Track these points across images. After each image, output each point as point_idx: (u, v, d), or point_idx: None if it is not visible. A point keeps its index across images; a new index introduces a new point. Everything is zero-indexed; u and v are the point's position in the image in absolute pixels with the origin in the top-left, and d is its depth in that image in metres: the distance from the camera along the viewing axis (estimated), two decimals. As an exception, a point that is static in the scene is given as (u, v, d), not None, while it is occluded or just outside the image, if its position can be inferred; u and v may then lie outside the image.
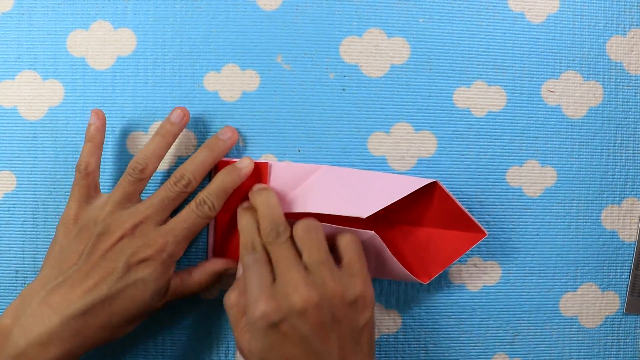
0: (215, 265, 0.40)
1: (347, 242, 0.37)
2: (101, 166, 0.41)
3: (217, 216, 0.41)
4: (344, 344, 0.34)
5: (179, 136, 0.41)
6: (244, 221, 0.38)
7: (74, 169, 0.41)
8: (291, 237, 0.36)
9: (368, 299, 0.35)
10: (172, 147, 0.41)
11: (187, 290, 0.39)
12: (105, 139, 0.41)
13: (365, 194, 0.39)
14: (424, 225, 0.42)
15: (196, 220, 0.37)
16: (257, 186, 0.40)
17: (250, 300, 0.34)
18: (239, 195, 0.40)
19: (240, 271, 0.38)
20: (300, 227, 0.36)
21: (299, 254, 0.36)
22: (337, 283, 0.34)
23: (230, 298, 0.36)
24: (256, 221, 0.38)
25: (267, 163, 0.41)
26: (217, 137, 0.40)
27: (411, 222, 0.42)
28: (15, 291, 0.42)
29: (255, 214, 0.38)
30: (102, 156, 0.41)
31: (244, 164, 0.39)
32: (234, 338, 0.37)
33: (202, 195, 0.38)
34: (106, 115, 0.41)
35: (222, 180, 0.38)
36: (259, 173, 0.41)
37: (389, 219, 0.41)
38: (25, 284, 0.42)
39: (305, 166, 0.42)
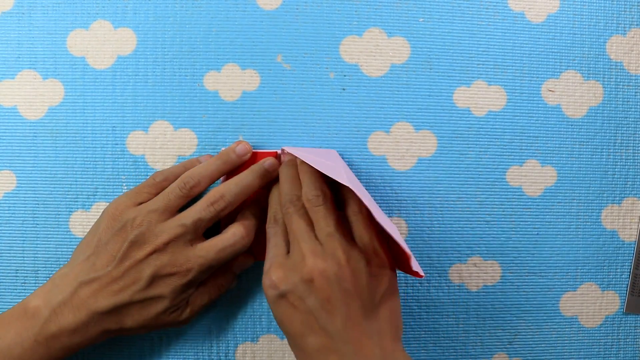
0: (236, 266, 0.41)
1: (354, 214, 0.36)
2: (100, 166, 0.41)
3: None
4: (354, 320, 0.33)
5: (179, 135, 0.41)
6: (271, 196, 0.39)
7: (75, 169, 0.42)
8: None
9: (382, 271, 0.35)
10: (173, 146, 0.42)
11: (210, 300, 0.40)
12: (105, 139, 0.41)
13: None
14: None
15: (230, 253, 0.38)
16: (283, 161, 0.40)
17: (264, 271, 0.35)
18: None
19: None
20: (307, 199, 0.36)
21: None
22: (346, 254, 0.34)
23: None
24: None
25: (276, 152, 0.41)
26: (262, 164, 0.39)
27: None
28: (15, 291, 0.42)
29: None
30: (102, 156, 0.41)
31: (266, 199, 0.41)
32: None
33: (239, 229, 0.38)
34: (106, 115, 0.41)
35: (256, 210, 0.40)
36: None
37: None
38: (25, 283, 0.42)
39: (314, 150, 0.41)
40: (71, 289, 0.35)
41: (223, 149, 0.41)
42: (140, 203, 0.38)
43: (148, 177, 0.41)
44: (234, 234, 0.37)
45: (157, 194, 0.38)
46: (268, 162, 0.39)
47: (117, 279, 0.36)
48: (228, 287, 0.41)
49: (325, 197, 0.36)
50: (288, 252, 0.36)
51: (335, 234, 0.35)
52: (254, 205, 0.40)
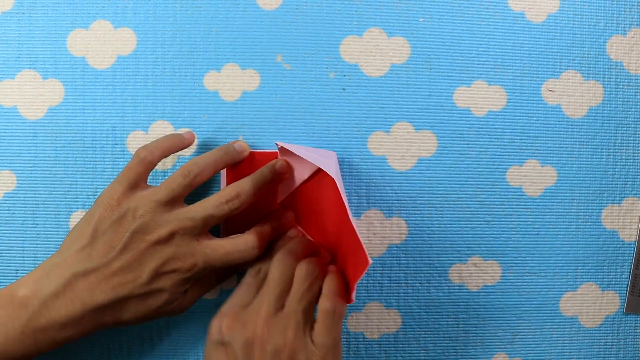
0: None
1: (327, 312, 0.35)
2: (100, 166, 0.41)
3: None
4: None
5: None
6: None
7: (75, 169, 0.42)
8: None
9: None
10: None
11: (208, 290, 0.40)
12: (105, 139, 0.41)
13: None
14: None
15: (236, 259, 0.37)
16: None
17: (220, 311, 0.35)
18: None
19: None
20: (301, 268, 0.36)
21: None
22: (294, 339, 0.33)
23: None
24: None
25: (276, 152, 0.41)
26: (273, 165, 0.39)
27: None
28: (15, 291, 0.42)
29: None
30: (102, 156, 0.41)
31: (289, 217, 0.41)
32: None
33: (253, 239, 0.37)
34: (106, 115, 0.41)
35: (277, 225, 0.39)
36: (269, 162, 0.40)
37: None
38: (25, 283, 0.42)
39: (313, 149, 0.41)
40: (63, 280, 0.34)
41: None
42: (133, 186, 0.36)
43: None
44: (247, 241, 0.37)
45: (146, 171, 0.37)
46: (279, 163, 0.39)
47: (117, 272, 0.34)
48: (226, 278, 0.40)
49: (316, 276, 0.36)
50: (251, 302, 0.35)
51: (299, 313, 0.34)
52: (274, 217, 0.40)
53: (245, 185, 0.37)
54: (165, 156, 0.38)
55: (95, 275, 0.34)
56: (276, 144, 0.39)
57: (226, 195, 0.36)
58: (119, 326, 0.36)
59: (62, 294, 0.34)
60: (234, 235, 0.37)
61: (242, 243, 0.36)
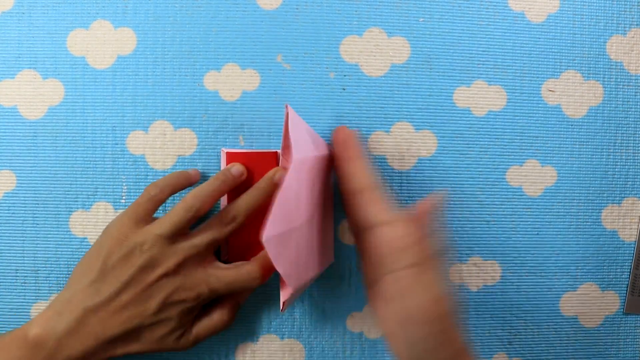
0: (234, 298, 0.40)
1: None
2: (100, 166, 0.41)
3: None
4: None
5: (179, 135, 0.41)
6: None
7: (75, 169, 0.42)
8: None
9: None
10: (173, 146, 0.42)
11: (214, 333, 0.40)
12: (105, 139, 0.41)
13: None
14: None
15: (240, 288, 0.38)
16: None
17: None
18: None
19: None
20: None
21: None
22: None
23: None
24: None
25: (276, 152, 0.41)
26: (271, 179, 0.39)
27: None
28: (15, 291, 0.42)
29: None
30: (102, 156, 0.41)
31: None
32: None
33: (255, 270, 0.38)
34: (106, 115, 0.41)
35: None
36: (269, 162, 0.40)
37: None
38: (25, 283, 0.42)
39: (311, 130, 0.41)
40: (76, 316, 0.35)
41: (220, 171, 0.40)
42: (141, 221, 0.37)
43: (147, 177, 0.41)
44: (249, 272, 0.38)
45: (154, 208, 0.38)
46: (277, 175, 0.39)
47: (127, 305, 0.35)
48: (232, 321, 0.40)
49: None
50: None
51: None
52: None
53: (239, 207, 0.38)
54: (174, 193, 0.39)
55: (106, 310, 0.35)
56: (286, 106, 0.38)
57: (224, 219, 0.38)
58: (128, 354, 0.37)
59: (76, 330, 0.35)
60: (238, 263, 0.38)
61: (245, 274, 0.38)
